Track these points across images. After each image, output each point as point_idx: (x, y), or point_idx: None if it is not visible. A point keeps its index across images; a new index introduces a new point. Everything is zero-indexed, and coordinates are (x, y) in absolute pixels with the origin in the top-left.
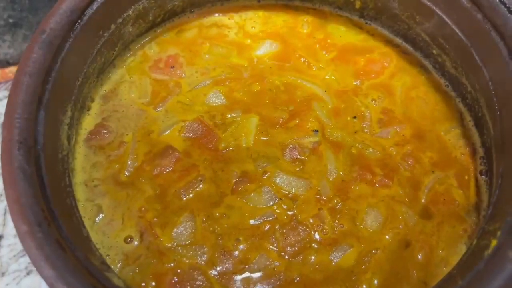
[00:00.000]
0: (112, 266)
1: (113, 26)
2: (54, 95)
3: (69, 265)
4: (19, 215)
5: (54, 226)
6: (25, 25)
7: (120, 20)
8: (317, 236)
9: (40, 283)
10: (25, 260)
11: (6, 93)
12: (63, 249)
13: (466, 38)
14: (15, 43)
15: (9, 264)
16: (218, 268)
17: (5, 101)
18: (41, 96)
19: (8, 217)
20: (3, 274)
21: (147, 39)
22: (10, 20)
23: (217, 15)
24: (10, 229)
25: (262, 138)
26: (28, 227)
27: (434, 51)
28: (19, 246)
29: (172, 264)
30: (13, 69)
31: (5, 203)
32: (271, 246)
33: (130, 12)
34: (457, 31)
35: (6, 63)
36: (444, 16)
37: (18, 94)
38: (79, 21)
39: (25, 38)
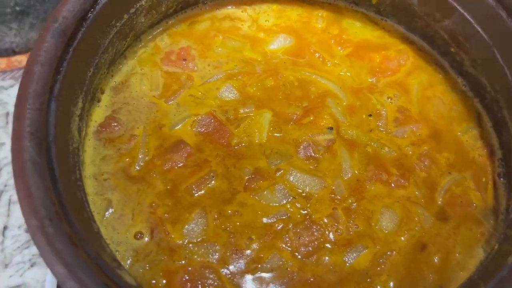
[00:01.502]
0: (122, 263)
1: (125, 16)
2: (66, 86)
3: (80, 262)
4: (30, 208)
5: (65, 220)
6: (32, 13)
7: (133, 10)
8: (331, 237)
9: (44, 275)
10: (29, 251)
11: (12, 82)
12: (74, 245)
13: (489, 37)
14: (21, 32)
15: (12, 256)
16: (230, 267)
17: (10, 90)
18: (52, 87)
19: (13, 208)
20: (6, 265)
21: (158, 30)
22: (17, 8)
23: (230, 7)
24: (14, 220)
25: (275, 134)
26: (39, 221)
27: (452, 49)
28: (23, 238)
29: (183, 262)
30: (19, 58)
31: (9, 193)
32: (284, 246)
33: (143, 2)
34: (479, 29)
35: (12, 52)
36: (465, 14)
37: (29, 84)
38: (92, 10)
39: (32, 27)
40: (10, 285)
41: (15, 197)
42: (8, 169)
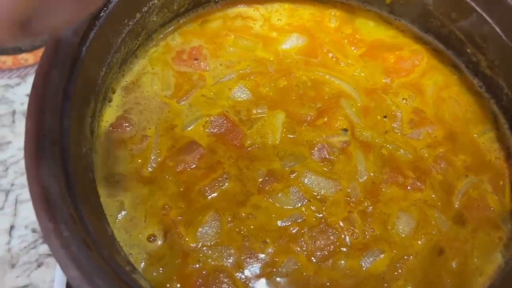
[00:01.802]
0: (136, 266)
1: (138, 15)
2: (79, 86)
3: (95, 266)
4: (44, 211)
5: (80, 224)
6: None
7: (145, 9)
8: (347, 240)
9: (51, 276)
10: (36, 252)
11: (18, 80)
12: (89, 249)
13: (508, 38)
14: None
15: (19, 256)
16: (245, 271)
17: (16, 89)
18: (65, 87)
19: (19, 207)
20: (13, 266)
21: (170, 29)
22: None
23: (241, 6)
24: (21, 219)
25: (289, 136)
26: (54, 224)
27: (468, 50)
28: (30, 238)
29: (197, 265)
30: (25, 56)
31: (16, 193)
32: (299, 249)
33: (155, 0)
34: (498, 30)
35: (19, 50)
36: (484, 14)
37: (43, 85)
38: (104, 8)
39: None
40: (17, 286)
41: (22, 197)
42: (15, 168)
